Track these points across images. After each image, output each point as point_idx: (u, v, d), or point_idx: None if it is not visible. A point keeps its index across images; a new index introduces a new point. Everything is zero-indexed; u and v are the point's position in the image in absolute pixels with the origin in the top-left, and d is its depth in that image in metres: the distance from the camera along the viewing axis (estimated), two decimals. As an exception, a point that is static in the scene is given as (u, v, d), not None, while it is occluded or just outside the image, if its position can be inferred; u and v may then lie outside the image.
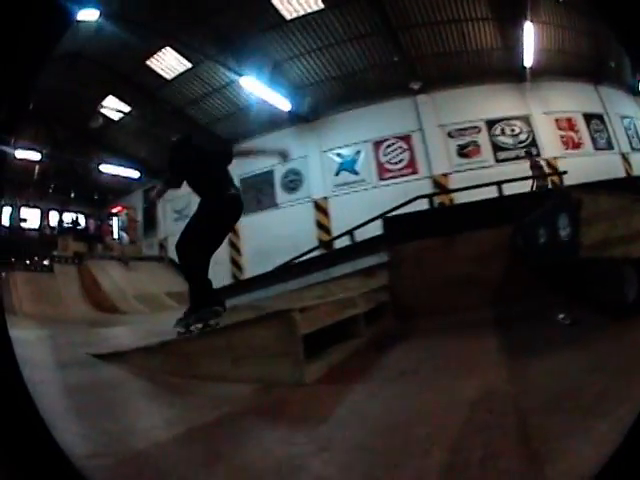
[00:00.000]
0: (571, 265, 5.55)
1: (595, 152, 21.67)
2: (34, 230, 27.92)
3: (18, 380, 1.91)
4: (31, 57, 1.88)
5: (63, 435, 2.62)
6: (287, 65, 20.96)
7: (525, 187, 15.11)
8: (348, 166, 23.38)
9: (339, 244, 14.36)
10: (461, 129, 21.97)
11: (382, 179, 22.64)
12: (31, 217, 28.11)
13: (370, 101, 22.78)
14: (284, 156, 7.12)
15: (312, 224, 23.46)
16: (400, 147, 22.51)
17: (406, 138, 22.49)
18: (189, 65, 21.21)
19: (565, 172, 16.97)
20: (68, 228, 27.41)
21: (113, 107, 24.38)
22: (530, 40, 18.52)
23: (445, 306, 7.90)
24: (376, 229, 10.75)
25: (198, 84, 22.33)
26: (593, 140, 21.83)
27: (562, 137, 21.68)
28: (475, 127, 21.94)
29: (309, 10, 18.45)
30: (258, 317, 5.01)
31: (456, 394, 3.64)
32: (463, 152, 21.75)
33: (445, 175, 21.43)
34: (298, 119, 23.76)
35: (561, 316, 5.43)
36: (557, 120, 21.81)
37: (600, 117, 22.09)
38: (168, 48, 20.20)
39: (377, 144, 22.88)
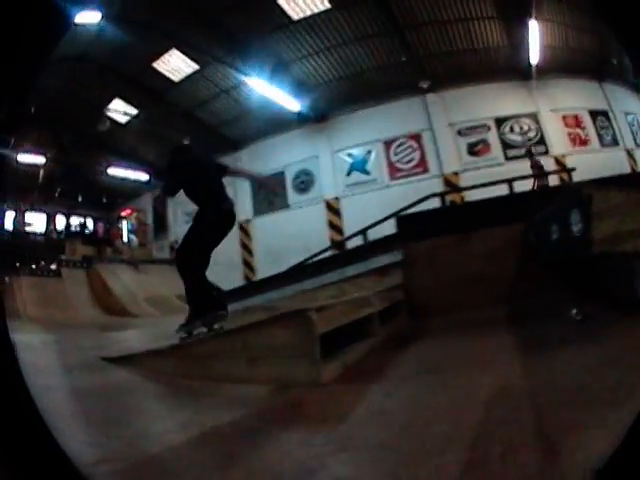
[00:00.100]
0: (582, 261, 5.54)
1: (601, 149, 21.68)
2: (40, 234, 27.82)
3: (20, 384, 1.86)
4: (30, 58, 1.85)
5: (70, 441, 2.60)
6: (295, 66, 20.90)
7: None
8: (359, 166, 23.38)
9: (351, 244, 14.36)
10: (471, 127, 21.95)
11: (393, 178, 22.65)
12: (36, 221, 28.05)
13: (380, 101, 22.80)
14: (277, 187, 7.16)
15: (324, 224, 23.50)
16: (410, 146, 22.51)
17: (416, 137, 22.49)
18: (196, 67, 21.12)
19: (573, 169, 17.01)
20: (76, 232, 27.40)
21: (120, 110, 24.33)
22: (535, 38, 18.54)
23: (459, 304, 7.88)
24: (388, 229, 10.78)
25: (206, 86, 22.27)
26: (599, 137, 21.82)
27: (569, 134, 21.68)
28: (484, 125, 21.92)
29: (315, 10, 18.32)
30: (275, 317, 5.00)
31: (473, 391, 3.63)
32: (473, 150, 21.72)
33: (456, 174, 21.44)
34: (308, 120, 23.74)
35: (573, 312, 5.40)
36: (564, 117, 21.82)
37: (605, 114, 22.08)
38: (174, 50, 20.13)
39: (387, 144, 22.88)
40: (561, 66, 21.10)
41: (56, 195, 28.31)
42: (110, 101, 23.91)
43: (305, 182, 24.40)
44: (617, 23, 1.79)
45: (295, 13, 18.30)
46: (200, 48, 19.51)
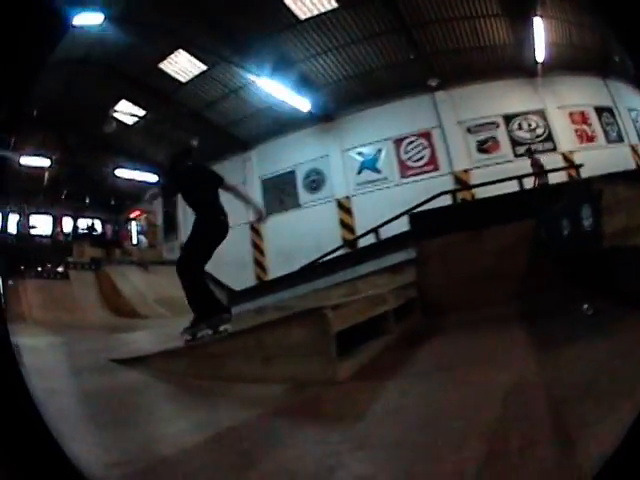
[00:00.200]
0: (593, 255, 5.56)
1: (607, 145, 21.58)
2: (46, 237, 27.85)
3: (21, 388, 1.81)
4: (30, 59, 1.83)
5: (78, 445, 2.68)
6: (304, 65, 20.85)
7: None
8: (370, 164, 23.33)
9: (363, 242, 14.30)
10: (480, 125, 21.91)
11: (404, 176, 22.61)
12: (42, 224, 28.06)
13: (389, 99, 22.74)
14: (259, 217, 7.44)
15: (335, 223, 23.47)
16: (421, 144, 22.48)
17: (426, 135, 22.45)
18: (204, 67, 21.08)
19: (581, 165, 17.28)
20: (84, 234, 27.41)
21: (127, 111, 24.32)
22: (540, 35, 18.54)
23: (473, 301, 7.88)
24: (400, 227, 10.81)
25: (214, 86, 22.22)
26: (605, 133, 21.72)
27: (576, 131, 21.60)
28: (493, 122, 21.86)
29: (323, 10, 18.23)
30: (290, 315, 5.02)
31: (488, 387, 3.64)
32: (483, 148, 21.69)
33: (466, 171, 21.42)
34: (317, 119, 23.73)
35: (584, 307, 5.40)
36: (571, 114, 21.73)
37: (610, 110, 21.98)
38: (181, 50, 20.08)
39: (398, 142, 22.84)
40: (566, 63, 21.01)
41: (62, 197, 28.32)
42: (116, 102, 23.90)
43: (316, 181, 24.38)
44: (617, 23, 1.76)
45: (302, 13, 18.22)
46: (207, 48, 19.51)
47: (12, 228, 26.19)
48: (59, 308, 17.62)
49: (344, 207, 23.44)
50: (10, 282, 17.59)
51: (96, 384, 5.38)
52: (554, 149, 20.95)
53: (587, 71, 21.44)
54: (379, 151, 23.12)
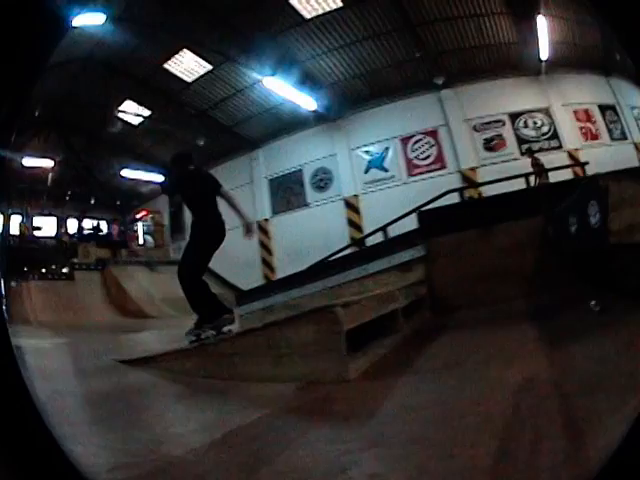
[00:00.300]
0: (600, 252, 5.56)
1: (611, 142, 21.67)
2: (50, 238, 27.90)
3: (22, 390, 1.74)
4: (29, 59, 1.81)
5: (82, 447, 2.81)
6: (310, 64, 20.87)
7: (553, 178, 15.00)
8: (377, 163, 23.41)
9: (372, 241, 14.18)
10: (486, 123, 21.99)
11: (411, 175, 22.69)
12: (46, 225, 28.08)
13: (395, 97, 22.82)
14: (248, 230, 7.56)
15: (343, 222, 23.57)
16: (427, 142, 22.56)
17: (433, 133, 22.53)
18: (209, 67, 21.08)
19: (587, 163, 17.20)
20: (89, 235, 27.44)
21: (132, 111, 24.33)
22: (544, 33, 18.61)
23: (482, 298, 7.95)
24: (407, 225, 10.92)
25: (220, 86, 22.24)
26: (609, 131, 21.82)
27: (581, 128, 21.69)
28: (499, 120, 21.94)
29: (328, 9, 18.27)
30: (301, 314, 5.01)
31: (500, 383, 3.67)
32: (489, 146, 21.77)
33: (473, 169, 21.50)
34: (324, 118, 23.78)
35: (592, 303, 5.41)
36: (575, 112, 21.80)
37: (613, 108, 22.06)
38: (186, 50, 20.10)
39: (404, 140, 22.93)
40: (569, 61, 21.15)
41: (67, 198, 28.34)
42: (121, 103, 23.97)
43: (323, 180, 24.46)
44: (616, 22, 1.72)
45: (307, 12, 18.26)
46: (212, 48, 19.52)
47: (15, 229, 26.21)
48: (64, 309, 17.66)
49: (352, 206, 23.51)
50: (13, 284, 17.60)
51: (102, 385, 5.39)
52: (560, 147, 21.06)
53: (590, 69, 21.59)
54: (386, 150, 23.19)
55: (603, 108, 21.87)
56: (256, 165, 25.85)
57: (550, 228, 8.07)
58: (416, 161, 22.64)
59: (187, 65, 20.97)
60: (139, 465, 2.83)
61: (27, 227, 27.00)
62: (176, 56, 20.42)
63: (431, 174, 22.15)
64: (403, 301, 6.77)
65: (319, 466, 2.66)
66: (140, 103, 23.88)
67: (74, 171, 26.80)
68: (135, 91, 22.83)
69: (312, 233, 22.58)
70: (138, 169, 26.22)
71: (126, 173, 26.52)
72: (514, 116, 21.77)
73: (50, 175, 26.10)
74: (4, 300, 2.04)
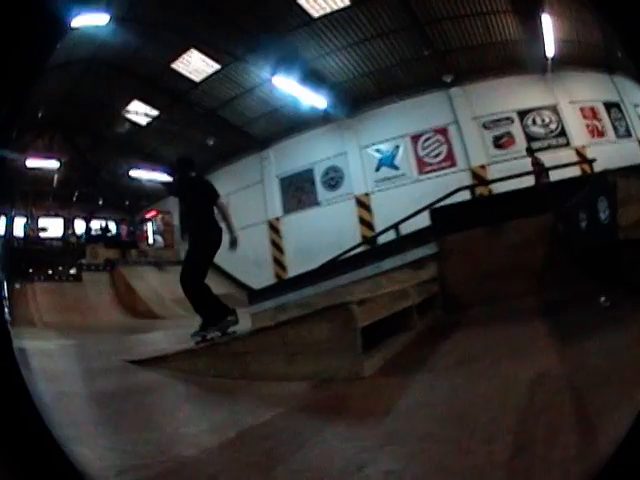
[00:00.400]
0: (609, 248, 5.58)
1: (617, 140, 21.79)
2: (57, 239, 27.97)
3: (22, 392, 1.72)
4: (27, 61, 1.80)
5: (88, 449, 2.81)
6: (319, 63, 20.93)
7: (562, 174, 14.96)
8: (387, 161, 23.51)
9: (383, 239, 14.25)
10: (495, 120, 22.10)
11: (422, 173, 22.82)
12: (52, 226, 28.14)
13: (405, 96, 22.93)
14: (233, 243, 7.84)
15: (355, 220, 23.69)
16: (437, 140, 22.69)
17: (443, 131, 22.66)
18: (217, 67, 21.15)
19: (594, 160, 17.12)
20: (97, 235, 27.53)
21: (140, 112, 24.36)
22: (549, 31, 18.68)
23: (493, 295, 7.96)
24: (418, 223, 10.95)
25: (229, 85, 22.34)
26: (614, 128, 21.98)
27: (587, 126, 21.83)
28: (508, 118, 22.06)
29: (335, 8, 18.31)
30: (315, 311, 4.95)
31: (514, 378, 3.65)
32: (499, 143, 21.87)
33: (483, 167, 21.59)
34: (334, 116, 23.85)
35: (602, 299, 5.40)
36: (582, 109, 21.95)
37: (618, 106, 22.21)
38: (193, 50, 20.19)
39: (415, 138, 23.05)
40: (574, 59, 21.23)
41: (74, 199, 28.39)
42: (128, 103, 24.07)
43: (334, 178, 24.59)
44: (616, 22, 1.74)
45: (315, 11, 18.30)
46: (220, 48, 19.62)
47: (19, 231, 26.27)
48: (71, 310, 17.66)
49: (363, 204, 23.63)
50: (17, 285, 17.63)
51: (110, 386, 5.39)
52: (567, 144, 21.22)
53: (594, 67, 21.71)
54: (396, 148, 23.28)
55: (608, 106, 22.05)
56: (267, 164, 25.99)
57: (560, 224, 8.10)
58: (426, 159, 22.74)
59: (195, 65, 21.06)
60: (149, 467, 2.76)
61: (32, 229, 27.09)
62: (183, 56, 20.49)
63: (441, 172, 22.27)
64: (416, 298, 6.77)
65: (335, 464, 2.61)
66: (148, 103, 23.98)
67: (80, 172, 26.86)
68: (142, 91, 22.96)
69: (323, 231, 22.72)
70: (147, 169, 26.24)
71: (135, 173, 26.56)
72: (522, 114, 21.88)
73: (56, 176, 26.18)
74: (6, 302, 2.00)
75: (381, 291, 6.20)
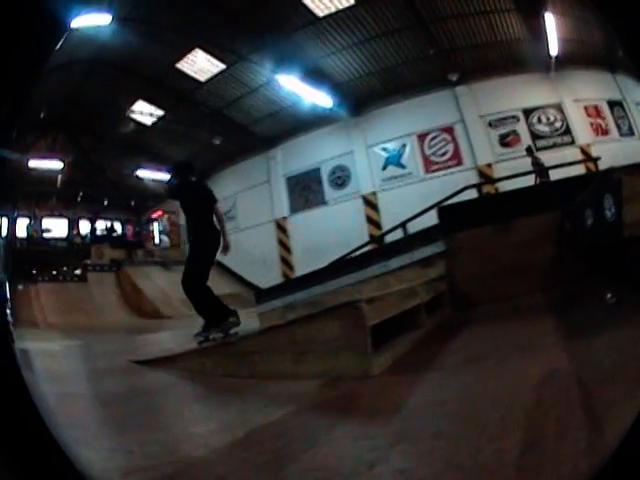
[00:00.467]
0: (615, 245, 5.57)
1: (620, 138, 21.85)
2: (61, 240, 28.03)
3: (23, 394, 1.69)
4: (26, 61, 1.77)
5: (93, 451, 2.76)
6: (325, 62, 20.97)
7: (568, 172, 14.96)
8: (394, 160, 23.58)
9: (391, 238, 14.39)
10: (501, 119, 22.18)
11: (428, 171, 22.90)
12: (56, 227, 28.17)
13: (411, 94, 23.00)
14: (225, 248, 8.07)
15: (362, 219, 23.76)
16: (444, 139, 22.77)
17: (449, 130, 22.74)
18: (223, 66, 21.19)
19: (599, 158, 17.44)
20: (103, 236, 27.57)
21: (145, 112, 24.38)
22: (552, 30, 18.75)
23: (501, 292, 7.99)
24: (425, 221, 11.01)
25: (234, 85, 22.38)
26: (617, 126, 22.05)
27: (592, 124, 21.91)
28: (514, 116, 22.15)
29: (340, 7, 18.35)
30: (324, 310, 4.92)
31: (523, 376, 3.65)
32: (505, 142, 21.95)
33: (489, 165, 21.67)
34: (341, 115, 23.92)
35: (608, 295, 5.44)
36: (586, 108, 22.02)
37: (620, 104, 22.28)
38: (198, 50, 20.24)
39: (421, 137, 23.14)
40: (577, 58, 21.30)
41: (78, 200, 28.43)
42: (133, 103, 24.12)
43: (341, 177, 24.69)
44: (617, 22, 1.72)
45: (320, 10, 18.33)
46: (225, 47, 19.67)
47: (22, 232, 26.29)
48: (76, 311, 17.64)
49: (370, 203, 23.71)
50: (20, 286, 17.63)
51: (115, 387, 5.36)
52: (572, 142, 21.32)
53: (597, 66, 21.78)
54: (403, 146, 23.35)
55: (611, 104, 22.11)
56: (274, 164, 26.08)
57: (566, 222, 8.10)
58: (433, 157, 22.82)
59: (200, 65, 21.09)
60: (156, 468, 2.73)
61: (35, 229, 27.13)
62: (188, 56, 20.54)
63: (448, 170, 22.34)
64: (425, 297, 6.75)
65: (346, 463, 2.60)
66: (153, 103, 24.02)
67: (84, 172, 26.88)
68: (147, 91, 23.00)
69: (331, 231, 22.81)
70: (153, 169, 26.27)
71: (141, 173, 26.62)
72: (528, 112, 21.96)
73: (59, 177, 26.19)
74: (9, 303, 1.98)
75: (390, 289, 6.19)
